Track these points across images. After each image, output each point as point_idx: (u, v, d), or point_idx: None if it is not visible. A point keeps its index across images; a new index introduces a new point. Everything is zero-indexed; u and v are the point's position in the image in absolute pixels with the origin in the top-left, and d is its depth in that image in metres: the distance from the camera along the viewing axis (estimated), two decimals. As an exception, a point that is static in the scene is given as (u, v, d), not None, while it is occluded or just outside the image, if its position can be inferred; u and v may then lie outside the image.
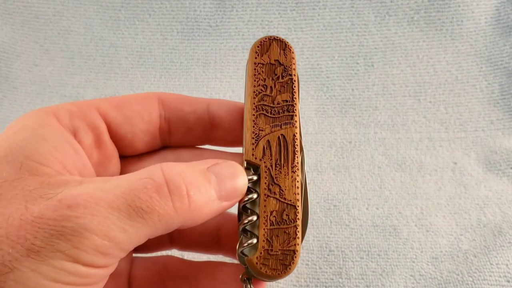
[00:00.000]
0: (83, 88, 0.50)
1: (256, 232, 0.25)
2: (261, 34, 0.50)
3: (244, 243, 0.25)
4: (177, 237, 0.31)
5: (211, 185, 0.24)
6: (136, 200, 0.21)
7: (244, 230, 0.26)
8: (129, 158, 0.29)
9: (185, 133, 0.28)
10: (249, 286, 0.26)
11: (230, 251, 0.30)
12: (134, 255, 0.31)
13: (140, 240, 0.22)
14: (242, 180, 0.25)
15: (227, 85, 0.49)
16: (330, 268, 0.35)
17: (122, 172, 0.29)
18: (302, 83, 0.49)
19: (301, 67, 0.49)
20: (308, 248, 0.36)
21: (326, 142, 0.45)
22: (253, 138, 0.26)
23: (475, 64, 0.48)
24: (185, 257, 0.35)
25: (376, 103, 0.47)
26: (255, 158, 0.26)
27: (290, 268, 0.24)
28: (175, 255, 0.31)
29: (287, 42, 0.28)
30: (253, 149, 0.26)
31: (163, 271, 0.29)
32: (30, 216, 0.20)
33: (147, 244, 0.30)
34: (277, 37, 0.28)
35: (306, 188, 0.27)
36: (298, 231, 0.25)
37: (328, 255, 0.35)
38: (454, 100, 0.47)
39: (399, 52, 0.49)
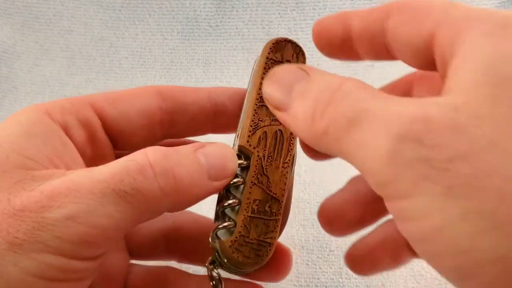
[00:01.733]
0: (83, 88, 0.50)
1: (234, 218, 0.25)
2: (261, 34, 0.50)
3: (220, 224, 0.24)
4: (174, 246, 0.30)
5: (199, 164, 0.23)
6: (119, 183, 0.20)
7: (223, 213, 0.25)
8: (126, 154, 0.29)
9: (188, 124, 0.28)
10: (214, 271, 0.25)
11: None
12: (131, 261, 0.30)
13: (127, 225, 0.21)
14: (232, 158, 0.24)
15: (227, 85, 0.48)
16: (330, 268, 0.35)
17: None
18: (302, 83, 0.49)
19: (301, 67, 0.49)
20: (308, 248, 0.36)
21: (326, 142, 0.45)
22: (251, 126, 0.26)
23: (475, 64, 0.48)
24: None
25: (376, 103, 0.47)
26: (250, 145, 0.26)
27: (262, 260, 0.24)
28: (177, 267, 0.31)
29: (302, 48, 0.28)
30: (249, 136, 0.26)
31: (162, 282, 0.29)
32: (12, 209, 0.19)
33: (142, 250, 0.29)
34: (293, 40, 0.28)
35: (291, 189, 0.27)
36: (277, 226, 0.25)
37: (328, 255, 0.35)
38: (454, 100, 0.47)
39: (399, 52, 0.49)
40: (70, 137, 0.25)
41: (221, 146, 0.24)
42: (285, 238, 0.36)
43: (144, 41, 0.51)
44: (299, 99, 0.20)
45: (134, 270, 0.30)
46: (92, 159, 0.26)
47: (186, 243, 0.30)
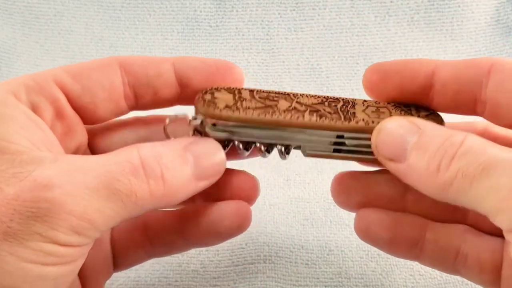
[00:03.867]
0: (83, 88, 0.50)
1: None
2: (261, 34, 0.50)
3: None
4: (156, 242, 0.30)
5: (187, 166, 0.23)
6: (115, 182, 0.21)
7: None
8: (97, 127, 0.28)
9: (153, 97, 0.27)
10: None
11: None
12: (114, 273, 0.30)
13: (116, 222, 0.22)
14: (220, 158, 0.25)
15: (227, 85, 0.49)
16: (329, 267, 0.35)
17: (90, 142, 0.28)
18: (302, 83, 0.49)
19: (301, 67, 0.49)
20: (307, 248, 0.36)
21: (326, 142, 0.45)
22: None
23: (475, 64, 0.48)
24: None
25: (376, 103, 0.47)
26: None
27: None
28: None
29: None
30: None
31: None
32: (4, 198, 0.20)
33: (126, 261, 0.29)
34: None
35: None
36: None
37: (327, 254, 0.35)
38: (454, 100, 0.47)
39: (399, 52, 0.49)
40: (41, 117, 0.24)
41: (210, 143, 0.25)
42: (285, 238, 0.36)
43: (144, 41, 0.51)
44: (416, 152, 0.22)
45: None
46: (64, 134, 0.26)
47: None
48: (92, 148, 0.29)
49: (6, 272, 0.19)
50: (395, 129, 0.23)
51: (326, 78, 0.48)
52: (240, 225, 0.29)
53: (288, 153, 0.27)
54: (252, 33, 0.50)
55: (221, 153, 0.25)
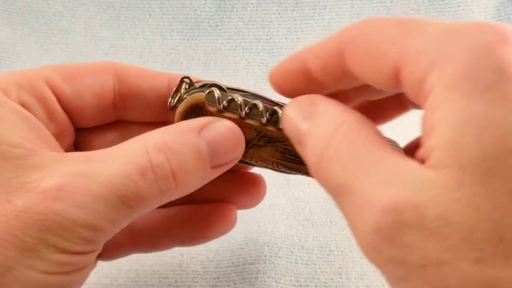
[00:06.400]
0: (83, 88, 0.50)
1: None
2: (261, 34, 0.50)
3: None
4: (140, 240, 0.29)
5: (202, 157, 0.22)
6: (121, 188, 0.20)
7: None
8: (85, 129, 0.28)
9: (143, 109, 0.27)
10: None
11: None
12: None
13: (125, 224, 0.22)
14: (239, 144, 0.24)
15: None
16: (330, 268, 0.35)
17: (78, 143, 0.27)
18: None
19: (301, 67, 0.49)
20: (308, 248, 0.36)
21: (326, 142, 0.45)
22: None
23: (475, 64, 0.48)
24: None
25: (376, 103, 0.47)
26: None
27: None
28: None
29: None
30: None
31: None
32: (14, 211, 0.19)
33: (108, 252, 0.28)
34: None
35: None
36: None
37: (328, 255, 0.35)
38: (454, 100, 0.47)
39: (399, 52, 0.49)
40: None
41: (229, 129, 0.23)
42: (285, 238, 0.36)
43: (144, 41, 0.51)
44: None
45: None
46: (56, 135, 0.25)
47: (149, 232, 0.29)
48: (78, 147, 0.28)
49: (25, 286, 0.20)
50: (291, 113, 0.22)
51: (326, 78, 0.48)
52: (224, 229, 0.29)
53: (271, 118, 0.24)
54: (252, 33, 0.50)
55: (239, 139, 0.24)
